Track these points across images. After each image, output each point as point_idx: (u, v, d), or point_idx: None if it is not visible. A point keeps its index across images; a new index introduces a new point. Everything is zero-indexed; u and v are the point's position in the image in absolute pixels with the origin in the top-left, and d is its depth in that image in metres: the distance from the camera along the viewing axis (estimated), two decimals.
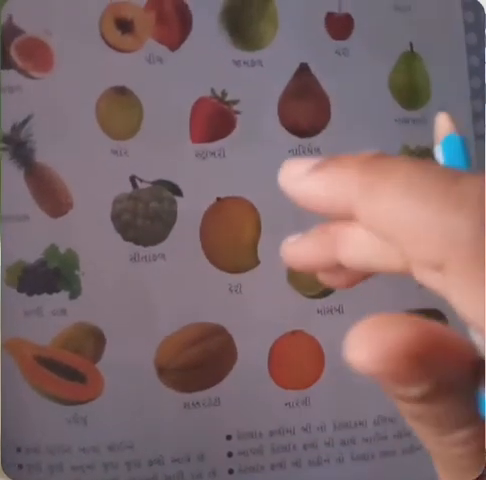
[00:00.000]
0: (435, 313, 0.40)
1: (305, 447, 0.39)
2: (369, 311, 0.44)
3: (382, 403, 0.40)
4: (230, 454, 0.38)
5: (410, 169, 0.15)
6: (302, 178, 0.17)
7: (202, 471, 0.38)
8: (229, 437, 0.38)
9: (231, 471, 0.38)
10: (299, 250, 0.18)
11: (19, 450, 0.37)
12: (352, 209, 0.16)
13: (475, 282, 0.14)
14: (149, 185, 0.37)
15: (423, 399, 0.15)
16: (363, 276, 0.19)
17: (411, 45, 0.40)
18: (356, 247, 0.17)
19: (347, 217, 0.16)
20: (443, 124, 0.18)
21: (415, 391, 0.15)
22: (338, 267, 0.18)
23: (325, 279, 0.19)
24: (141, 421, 0.38)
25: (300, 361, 0.39)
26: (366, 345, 0.14)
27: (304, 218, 0.38)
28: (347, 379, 0.39)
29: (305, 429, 0.39)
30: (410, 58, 0.40)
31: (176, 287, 0.38)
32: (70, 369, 0.37)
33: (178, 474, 0.38)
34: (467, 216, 0.14)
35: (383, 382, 0.15)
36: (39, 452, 0.37)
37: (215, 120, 0.38)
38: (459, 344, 0.15)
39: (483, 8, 0.40)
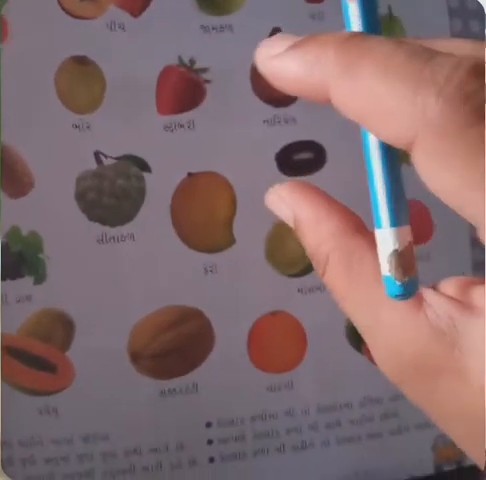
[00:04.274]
0: None
1: (288, 432, 0.38)
2: None
3: (368, 384, 0.39)
4: (210, 442, 0.37)
5: (388, 49, 0.15)
6: (279, 56, 0.17)
7: (181, 460, 0.37)
8: (209, 424, 0.37)
9: (212, 459, 0.37)
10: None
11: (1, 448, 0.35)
12: (327, 88, 0.16)
13: (441, 155, 0.15)
14: (115, 161, 0.36)
15: None
16: None
17: (390, 9, 0.38)
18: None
19: (322, 99, 0.16)
20: None
21: None
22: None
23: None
24: (115, 410, 0.36)
25: (281, 343, 0.38)
26: None
27: None
28: (331, 360, 0.38)
29: (288, 413, 0.38)
30: (389, 22, 0.38)
31: (147, 269, 0.36)
32: (39, 359, 0.36)
33: (156, 464, 0.37)
34: (435, 93, 0.14)
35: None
36: (11, 446, 0.36)
37: (183, 90, 0.36)
38: None
39: None
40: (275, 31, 0.37)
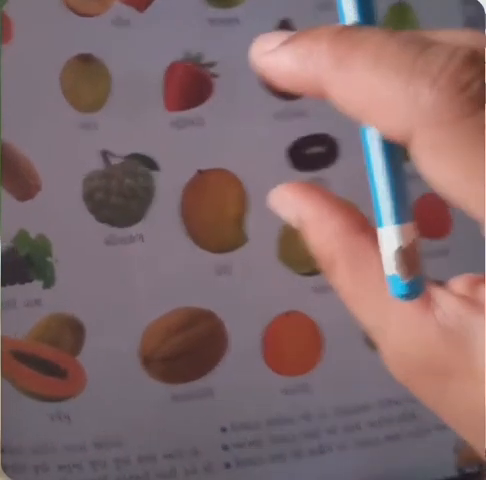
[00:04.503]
0: None
1: (306, 436, 0.37)
2: None
3: (386, 385, 0.37)
4: (226, 447, 0.36)
5: (381, 39, 0.15)
6: (273, 51, 0.17)
7: (196, 466, 0.36)
8: (224, 429, 0.36)
9: (228, 465, 0.36)
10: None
11: (2, 451, 0.35)
12: (322, 81, 0.16)
13: (438, 147, 0.14)
14: (122, 160, 0.35)
15: None
16: None
17: None
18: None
19: (317, 93, 0.17)
20: None
21: None
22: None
23: None
24: (128, 416, 0.36)
25: (297, 344, 0.37)
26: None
27: None
28: (348, 361, 0.37)
29: (305, 417, 0.37)
30: (400, 10, 0.38)
31: (157, 270, 0.35)
32: (49, 364, 0.35)
33: (171, 471, 0.36)
34: (429, 83, 0.14)
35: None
36: (23, 453, 0.35)
37: (191, 85, 0.35)
38: None
39: None
40: (283, 22, 0.36)
